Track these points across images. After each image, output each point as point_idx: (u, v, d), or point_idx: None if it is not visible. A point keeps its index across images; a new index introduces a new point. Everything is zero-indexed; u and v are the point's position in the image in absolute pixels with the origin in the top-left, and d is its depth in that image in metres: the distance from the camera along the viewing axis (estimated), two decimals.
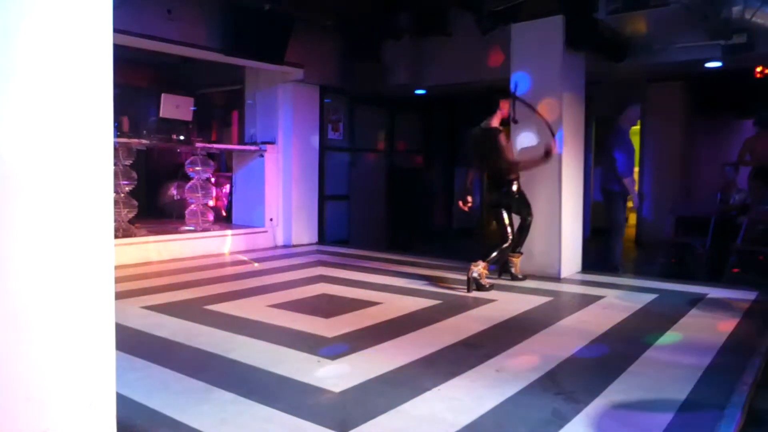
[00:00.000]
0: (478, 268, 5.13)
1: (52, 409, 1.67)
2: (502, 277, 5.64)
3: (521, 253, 5.69)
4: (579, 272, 6.22)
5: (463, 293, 5.07)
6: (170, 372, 3.10)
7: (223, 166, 9.79)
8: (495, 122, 5.43)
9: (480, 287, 5.11)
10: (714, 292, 5.24)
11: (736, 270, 6.24)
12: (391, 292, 5.17)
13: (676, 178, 9.48)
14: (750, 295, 5.10)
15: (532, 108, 5.44)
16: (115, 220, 6.67)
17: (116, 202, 6.71)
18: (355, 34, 8.42)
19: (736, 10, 5.55)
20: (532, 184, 5.96)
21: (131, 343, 3.52)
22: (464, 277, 5.17)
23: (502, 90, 5.66)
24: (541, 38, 5.90)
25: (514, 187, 5.48)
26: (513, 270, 5.66)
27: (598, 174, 11.14)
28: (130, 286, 5.20)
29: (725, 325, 4.14)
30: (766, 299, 4.99)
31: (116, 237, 6.42)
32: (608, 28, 5.82)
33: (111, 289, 1.81)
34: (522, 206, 5.58)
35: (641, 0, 5.05)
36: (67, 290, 1.71)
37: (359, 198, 9.49)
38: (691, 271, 6.74)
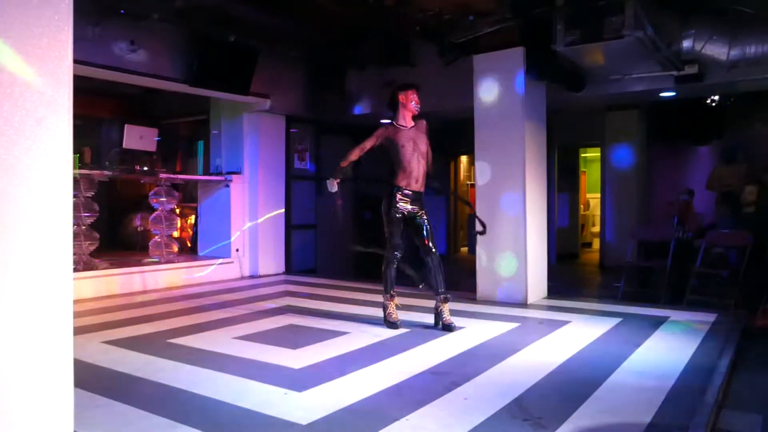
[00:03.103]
0: (447, 311, 4.81)
1: None
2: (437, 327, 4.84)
3: (447, 299, 4.84)
4: (545, 298, 6.30)
5: (430, 321, 5.07)
6: (133, 408, 3.01)
7: (188, 196, 9.69)
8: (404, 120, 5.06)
9: (451, 329, 4.74)
10: (675, 315, 5.36)
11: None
12: (358, 321, 5.15)
13: (635, 203, 9.73)
14: (710, 317, 5.23)
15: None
16: (76, 253, 6.51)
17: (77, 235, 6.57)
18: (321, 64, 8.50)
19: (687, 42, 5.79)
20: (497, 212, 6.05)
21: (92, 379, 3.42)
22: (431, 305, 5.07)
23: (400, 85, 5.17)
24: (502, 68, 6.06)
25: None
26: (445, 319, 4.79)
27: (564, 199, 11.42)
28: (91, 321, 5.04)
29: (687, 348, 4.23)
30: (726, 321, 5.12)
31: (77, 270, 6.27)
32: (566, 59, 6.00)
33: (69, 324, 1.78)
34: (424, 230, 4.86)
35: (597, 33, 5.23)
36: (22, 325, 1.66)
37: (326, 227, 9.47)
38: (652, 294, 6.87)
